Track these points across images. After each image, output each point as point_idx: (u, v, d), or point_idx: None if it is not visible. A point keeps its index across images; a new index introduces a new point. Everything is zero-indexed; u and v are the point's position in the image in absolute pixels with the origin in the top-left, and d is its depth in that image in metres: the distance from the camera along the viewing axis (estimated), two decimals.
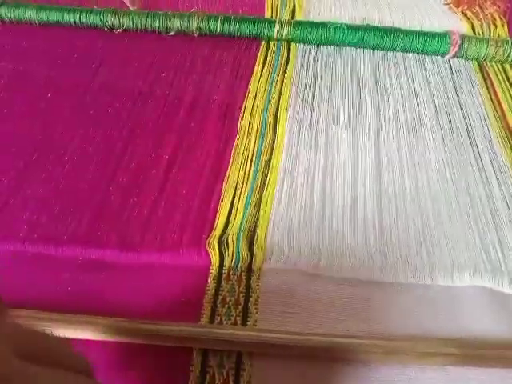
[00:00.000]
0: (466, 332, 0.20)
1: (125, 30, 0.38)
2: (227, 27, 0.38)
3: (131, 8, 0.39)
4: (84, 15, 0.37)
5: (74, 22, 0.38)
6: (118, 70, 0.34)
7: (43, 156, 0.28)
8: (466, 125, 0.32)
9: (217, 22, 0.38)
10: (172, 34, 0.38)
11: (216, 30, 0.38)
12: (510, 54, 0.37)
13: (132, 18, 0.38)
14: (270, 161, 0.28)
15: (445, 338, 0.20)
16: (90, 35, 0.37)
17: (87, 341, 0.19)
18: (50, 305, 0.21)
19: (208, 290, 0.22)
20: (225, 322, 0.21)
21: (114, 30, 0.38)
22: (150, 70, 0.35)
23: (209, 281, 0.22)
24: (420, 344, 0.19)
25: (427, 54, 0.38)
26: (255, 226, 0.25)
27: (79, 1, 0.39)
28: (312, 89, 0.34)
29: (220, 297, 0.22)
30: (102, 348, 0.20)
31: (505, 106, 0.33)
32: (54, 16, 0.37)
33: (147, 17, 0.38)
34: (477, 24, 0.41)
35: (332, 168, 0.28)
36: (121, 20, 0.38)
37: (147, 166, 0.27)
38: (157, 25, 0.38)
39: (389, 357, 0.19)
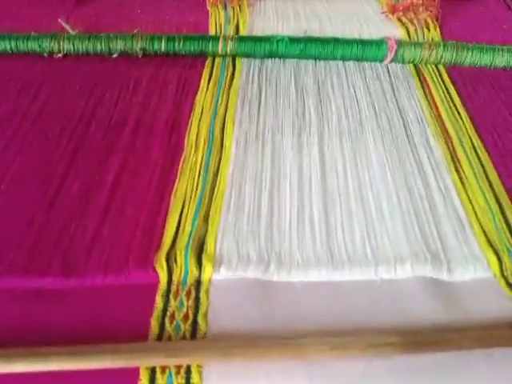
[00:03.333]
0: (410, 322, 0.21)
1: (65, 54, 0.37)
2: (172, 46, 0.38)
3: (71, 32, 0.39)
4: (21, 42, 0.37)
5: (11, 49, 0.37)
6: (58, 94, 0.34)
7: None
8: (404, 125, 0.33)
9: (161, 41, 0.38)
10: (115, 55, 0.38)
11: (160, 50, 0.38)
12: (442, 55, 0.39)
13: (73, 42, 0.38)
14: (217, 173, 0.29)
15: (387, 329, 0.20)
16: (28, 61, 0.37)
17: (27, 374, 0.19)
18: None
19: (156, 307, 0.22)
20: (174, 338, 0.20)
21: (54, 55, 0.37)
22: (93, 92, 0.34)
23: (157, 298, 0.22)
24: (365, 337, 0.19)
25: (366, 61, 0.39)
26: (204, 238, 0.25)
27: (15, 26, 0.39)
28: (257, 101, 0.35)
29: (168, 313, 0.21)
30: (45, 376, 0.19)
31: (439, 105, 0.35)
32: None
33: (89, 40, 0.38)
34: (411, 29, 0.43)
35: (279, 175, 0.29)
36: (61, 45, 0.37)
37: (90, 187, 0.27)
38: (99, 47, 0.38)
39: (336, 352, 0.19)
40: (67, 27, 0.39)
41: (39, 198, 0.26)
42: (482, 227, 0.26)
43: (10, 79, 0.35)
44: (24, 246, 0.24)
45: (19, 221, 0.25)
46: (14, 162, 0.29)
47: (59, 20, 0.39)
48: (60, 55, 0.38)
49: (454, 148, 0.31)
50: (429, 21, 0.44)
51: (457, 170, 0.29)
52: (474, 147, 0.31)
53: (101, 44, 0.38)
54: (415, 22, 0.44)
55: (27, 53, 0.37)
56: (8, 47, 0.37)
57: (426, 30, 0.43)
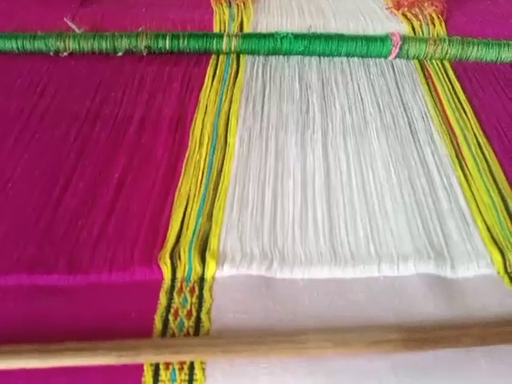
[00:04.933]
0: (412, 319, 0.21)
1: (71, 53, 0.38)
2: (176, 44, 0.38)
3: (77, 30, 0.39)
4: (27, 41, 0.37)
5: (17, 48, 0.37)
6: (64, 93, 0.34)
7: None
8: (409, 121, 0.33)
9: (165, 39, 0.38)
10: (120, 54, 0.38)
11: (165, 48, 0.38)
12: (447, 50, 0.39)
13: (78, 41, 0.38)
14: (221, 170, 0.29)
15: (388, 326, 0.20)
16: (34, 60, 0.37)
17: (33, 369, 0.19)
18: None
19: (160, 304, 0.22)
20: (177, 335, 0.21)
21: (60, 54, 0.38)
22: (98, 91, 0.35)
23: (161, 295, 0.22)
24: (367, 334, 0.20)
25: (371, 57, 0.39)
26: (208, 235, 0.25)
27: (22, 26, 0.39)
28: (261, 98, 0.35)
29: (172, 310, 0.22)
30: (48, 372, 0.19)
31: (444, 101, 0.35)
32: None
33: (94, 38, 0.38)
34: (416, 24, 0.42)
35: (282, 172, 0.29)
36: (66, 43, 0.38)
37: (96, 185, 0.27)
38: (104, 46, 0.38)
39: (338, 349, 0.19)
40: (73, 26, 0.39)
41: (46, 196, 0.27)
42: (486, 224, 0.26)
43: (17, 78, 0.35)
44: (31, 244, 0.24)
45: (26, 218, 0.25)
46: (22, 159, 0.29)
47: (65, 19, 0.39)
48: (66, 54, 0.38)
49: (458, 144, 0.31)
50: (434, 16, 0.43)
51: (461, 167, 0.29)
52: (478, 143, 0.31)
53: (106, 42, 0.38)
54: (420, 17, 0.43)
55: (34, 52, 0.37)
56: (15, 46, 0.37)
57: (431, 26, 0.43)
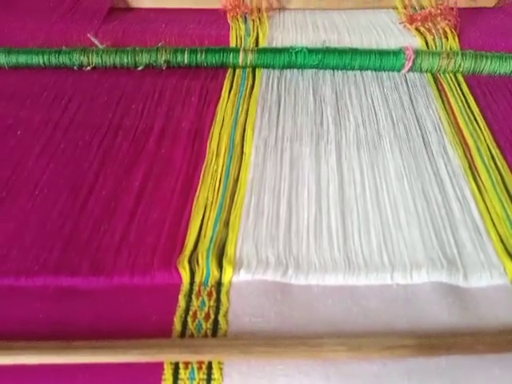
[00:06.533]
0: (425, 326, 0.21)
1: (94, 67, 0.39)
2: (194, 58, 0.40)
3: (99, 46, 0.41)
4: (53, 56, 0.39)
5: (44, 63, 0.39)
6: (87, 105, 0.36)
7: (13, 192, 0.29)
8: (422, 134, 0.33)
9: (184, 54, 0.40)
10: (141, 68, 0.40)
11: (183, 62, 0.40)
12: (460, 64, 0.39)
13: (101, 56, 0.39)
14: (237, 179, 0.30)
15: (403, 331, 0.21)
16: (59, 74, 0.39)
17: (59, 365, 0.20)
18: (23, 336, 0.21)
19: (179, 307, 0.23)
20: (195, 336, 0.21)
21: (84, 68, 0.39)
22: (120, 104, 0.36)
23: (180, 298, 0.23)
24: (380, 339, 0.20)
25: (384, 71, 0.40)
26: (224, 242, 0.26)
27: (47, 42, 0.41)
28: (277, 110, 0.36)
29: (190, 312, 0.22)
30: (74, 368, 0.20)
31: (457, 114, 0.35)
32: (23, 59, 0.39)
33: (116, 53, 0.40)
34: (430, 38, 0.43)
35: (297, 182, 0.30)
36: (90, 58, 0.39)
37: (118, 193, 0.28)
38: (125, 60, 0.39)
39: (352, 353, 0.20)
40: (96, 42, 0.41)
41: (70, 203, 0.28)
42: (499, 235, 0.26)
43: (43, 91, 0.37)
44: (56, 248, 0.25)
45: (52, 224, 0.27)
46: (47, 169, 0.30)
47: (88, 35, 0.41)
48: (89, 68, 0.39)
49: (471, 157, 0.31)
50: (447, 30, 0.44)
51: (474, 179, 0.30)
52: (492, 155, 0.31)
53: (127, 57, 0.39)
54: (433, 31, 0.44)
55: (58, 66, 0.39)
56: (41, 61, 0.39)
57: (444, 40, 0.43)
